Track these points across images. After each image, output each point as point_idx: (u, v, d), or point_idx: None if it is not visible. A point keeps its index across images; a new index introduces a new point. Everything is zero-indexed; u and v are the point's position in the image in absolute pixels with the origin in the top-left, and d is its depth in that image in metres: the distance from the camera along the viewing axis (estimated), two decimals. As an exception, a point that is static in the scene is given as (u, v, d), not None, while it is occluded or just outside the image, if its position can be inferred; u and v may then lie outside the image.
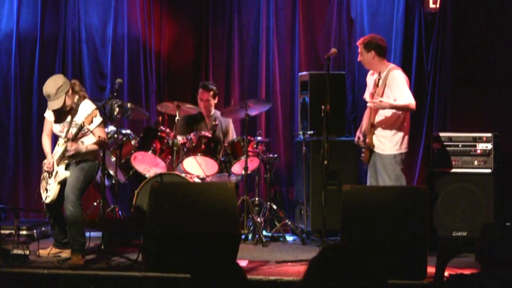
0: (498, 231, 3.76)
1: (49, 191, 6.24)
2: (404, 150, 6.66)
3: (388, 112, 6.57)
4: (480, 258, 3.67)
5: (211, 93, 7.92)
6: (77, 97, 6.22)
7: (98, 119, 6.12)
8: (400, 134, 6.61)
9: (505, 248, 3.63)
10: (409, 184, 7.23)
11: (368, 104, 6.72)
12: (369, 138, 6.64)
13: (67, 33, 8.65)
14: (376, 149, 6.63)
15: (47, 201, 6.27)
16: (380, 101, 6.50)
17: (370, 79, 6.81)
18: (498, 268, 3.57)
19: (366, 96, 6.86)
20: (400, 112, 6.57)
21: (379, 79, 6.57)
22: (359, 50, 6.74)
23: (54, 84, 6.10)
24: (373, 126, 6.62)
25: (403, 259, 5.44)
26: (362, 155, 6.77)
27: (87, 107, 6.18)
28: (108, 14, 8.68)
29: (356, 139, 6.84)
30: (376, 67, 6.70)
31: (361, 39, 6.83)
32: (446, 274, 4.17)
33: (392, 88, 6.52)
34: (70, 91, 6.15)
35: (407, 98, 6.51)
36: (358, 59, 6.82)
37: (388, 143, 6.61)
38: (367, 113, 6.80)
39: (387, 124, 6.60)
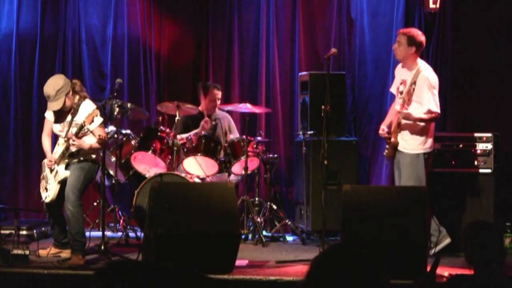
0: (479, 230, 3.75)
1: (49, 191, 6.23)
2: (429, 149, 6.58)
3: (414, 111, 6.52)
4: (469, 260, 3.67)
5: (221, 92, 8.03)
6: (77, 97, 6.22)
7: (99, 119, 6.12)
8: (425, 133, 6.54)
9: (490, 244, 3.62)
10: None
11: (395, 106, 6.66)
12: (394, 137, 6.61)
13: (67, 33, 8.66)
14: (400, 147, 6.61)
15: (47, 200, 6.27)
16: (409, 113, 6.45)
17: (399, 73, 6.74)
18: (491, 266, 3.56)
19: (393, 89, 6.83)
20: (428, 111, 6.48)
21: (414, 82, 6.50)
22: (398, 39, 6.61)
23: (54, 85, 6.09)
24: (399, 126, 6.59)
25: (403, 259, 5.44)
26: (386, 150, 6.74)
27: (87, 107, 6.17)
28: (108, 14, 8.69)
29: (380, 131, 6.75)
30: (407, 61, 6.61)
31: (406, 29, 6.70)
32: (446, 274, 4.17)
33: (422, 90, 6.44)
34: (71, 92, 6.15)
35: (432, 107, 6.42)
36: (393, 47, 6.71)
37: (412, 141, 6.54)
38: (393, 109, 6.73)
39: (413, 123, 6.55)
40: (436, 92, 6.49)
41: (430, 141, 6.58)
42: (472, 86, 8.03)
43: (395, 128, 6.60)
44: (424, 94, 6.44)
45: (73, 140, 6.02)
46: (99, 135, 6.10)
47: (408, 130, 6.56)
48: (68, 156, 6.16)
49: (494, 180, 7.08)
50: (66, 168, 6.18)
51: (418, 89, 6.46)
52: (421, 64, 6.61)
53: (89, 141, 6.14)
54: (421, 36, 6.61)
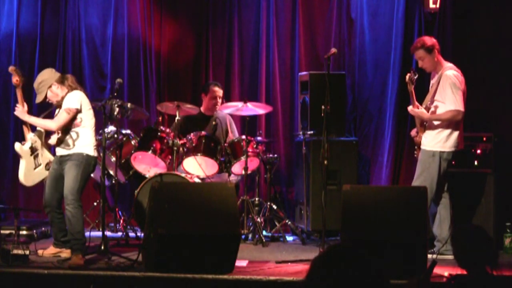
0: (467, 235, 3.73)
1: (36, 174, 6.38)
2: (450, 148, 6.50)
3: (438, 111, 6.49)
4: (462, 265, 3.66)
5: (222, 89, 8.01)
6: (66, 90, 6.26)
7: (69, 102, 6.16)
8: (446, 132, 6.48)
9: (479, 248, 3.61)
10: (409, 184, 7.22)
11: (409, 110, 6.66)
12: (419, 137, 6.62)
13: (67, 33, 8.66)
14: (421, 145, 6.61)
15: (29, 183, 6.43)
16: (422, 112, 6.48)
17: (431, 81, 6.72)
18: (484, 268, 3.55)
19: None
20: (448, 110, 6.44)
21: (438, 82, 6.48)
22: (417, 56, 6.62)
23: (38, 79, 6.29)
24: (422, 125, 6.59)
25: (403, 259, 5.44)
26: (415, 152, 6.74)
27: (70, 94, 6.22)
28: (108, 14, 8.69)
29: (412, 133, 6.78)
30: (436, 67, 6.59)
31: (416, 44, 6.62)
32: (446, 274, 4.16)
33: (444, 89, 6.42)
34: (56, 86, 6.22)
35: (452, 106, 6.39)
36: (420, 66, 6.68)
37: (431, 139, 6.51)
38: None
39: (435, 122, 6.55)
40: (458, 90, 6.43)
41: (453, 140, 6.50)
42: (472, 86, 8.01)
43: (419, 128, 6.60)
44: (446, 93, 6.43)
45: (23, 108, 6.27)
46: (58, 117, 6.19)
47: (430, 128, 6.55)
48: (56, 145, 6.19)
49: (494, 180, 7.09)
50: (61, 165, 6.17)
51: (440, 88, 6.46)
52: (446, 65, 6.59)
53: (83, 133, 6.16)
54: (430, 40, 6.60)
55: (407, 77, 6.56)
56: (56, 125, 6.23)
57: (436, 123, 6.52)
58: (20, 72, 6.59)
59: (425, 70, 6.73)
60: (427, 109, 6.55)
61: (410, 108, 6.61)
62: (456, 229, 3.90)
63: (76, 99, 6.15)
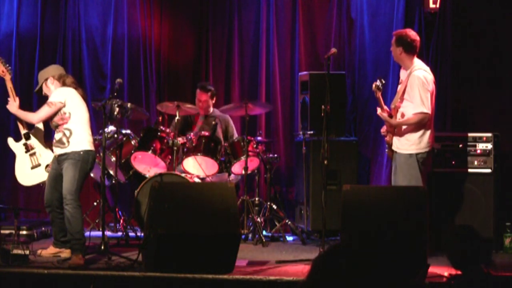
0: (457, 235, 3.73)
1: (34, 174, 6.42)
2: (424, 149, 6.47)
3: (407, 110, 6.50)
4: (456, 265, 3.66)
5: (209, 94, 7.95)
6: (60, 87, 6.30)
7: (53, 96, 6.20)
8: (419, 132, 6.44)
9: (470, 247, 3.61)
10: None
11: (378, 113, 6.66)
12: (388, 137, 6.59)
13: (67, 33, 8.67)
14: (393, 147, 6.57)
15: (25, 182, 6.49)
16: (388, 119, 6.49)
17: (401, 75, 6.73)
18: (479, 267, 3.55)
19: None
20: (415, 112, 6.43)
21: (406, 81, 6.50)
22: (392, 41, 6.72)
23: (42, 70, 6.46)
24: (392, 126, 6.57)
25: (403, 259, 5.44)
26: (386, 150, 6.73)
27: (59, 89, 6.27)
28: (108, 14, 8.69)
29: (383, 130, 6.74)
30: (402, 62, 6.61)
31: (398, 30, 6.81)
32: (446, 274, 4.16)
33: (412, 89, 6.41)
34: (52, 81, 6.28)
35: (419, 108, 6.37)
36: (391, 49, 6.80)
37: (405, 141, 6.48)
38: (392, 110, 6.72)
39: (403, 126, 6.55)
40: (426, 91, 6.39)
41: (425, 140, 6.46)
42: (472, 86, 8.03)
43: (389, 129, 6.58)
44: (414, 94, 6.41)
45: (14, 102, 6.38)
46: (42, 108, 6.25)
47: (400, 131, 6.51)
48: (54, 145, 6.19)
49: (494, 180, 7.09)
50: (60, 164, 6.17)
51: (409, 87, 6.44)
52: (417, 64, 6.55)
53: (75, 129, 6.15)
54: (409, 36, 6.53)
55: (373, 85, 6.59)
56: (37, 117, 6.35)
57: (405, 126, 6.51)
58: (3, 60, 6.64)
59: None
60: (397, 108, 6.54)
61: (379, 111, 6.59)
62: (446, 231, 3.88)
63: (61, 94, 6.17)
